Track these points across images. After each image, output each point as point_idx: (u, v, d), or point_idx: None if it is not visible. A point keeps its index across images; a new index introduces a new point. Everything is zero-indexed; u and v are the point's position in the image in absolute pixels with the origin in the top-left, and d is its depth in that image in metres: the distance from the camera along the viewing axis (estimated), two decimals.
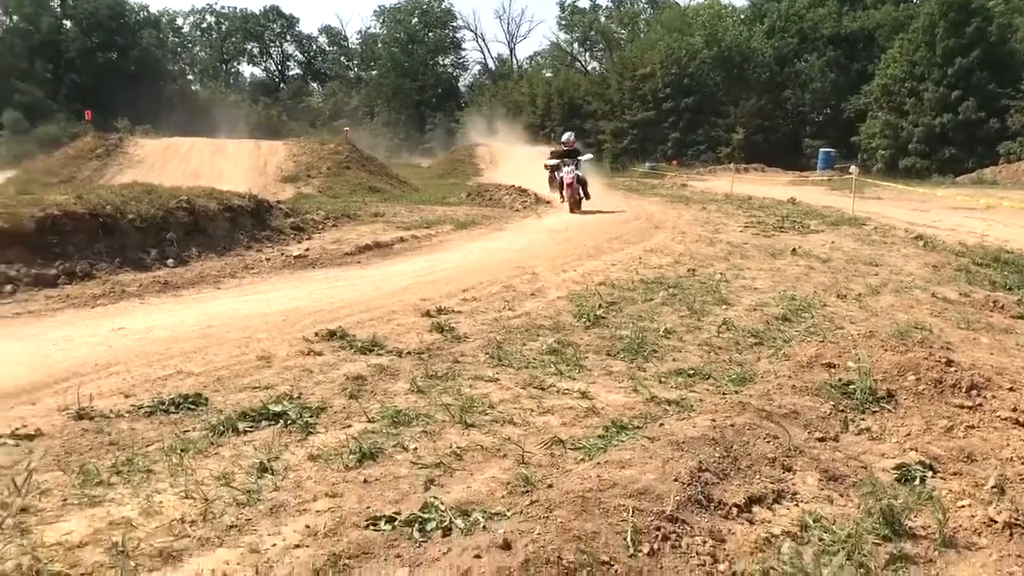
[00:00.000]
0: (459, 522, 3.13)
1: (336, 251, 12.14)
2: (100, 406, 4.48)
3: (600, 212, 18.34)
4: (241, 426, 4.16)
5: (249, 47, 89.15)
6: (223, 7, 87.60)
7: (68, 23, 73.33)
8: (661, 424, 4.20)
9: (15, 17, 72.47)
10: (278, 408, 4.40)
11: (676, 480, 3.49)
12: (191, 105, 69.26)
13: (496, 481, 3.60)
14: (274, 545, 2.98)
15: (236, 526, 3.12)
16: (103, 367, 5.43)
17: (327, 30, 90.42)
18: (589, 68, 79.68)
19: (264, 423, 4.24)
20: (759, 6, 62.83)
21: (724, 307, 7.67)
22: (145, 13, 79.70)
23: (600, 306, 7.37)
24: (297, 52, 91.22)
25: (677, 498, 3.33)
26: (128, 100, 60.88)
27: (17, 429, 4.08)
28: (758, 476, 3.70)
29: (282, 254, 11.83)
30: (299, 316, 7.17)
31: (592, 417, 4.48)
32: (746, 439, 4.00)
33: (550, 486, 3.47)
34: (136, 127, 44.00)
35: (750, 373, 5.45)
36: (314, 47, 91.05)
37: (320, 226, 14.67)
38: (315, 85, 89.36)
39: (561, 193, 18.86)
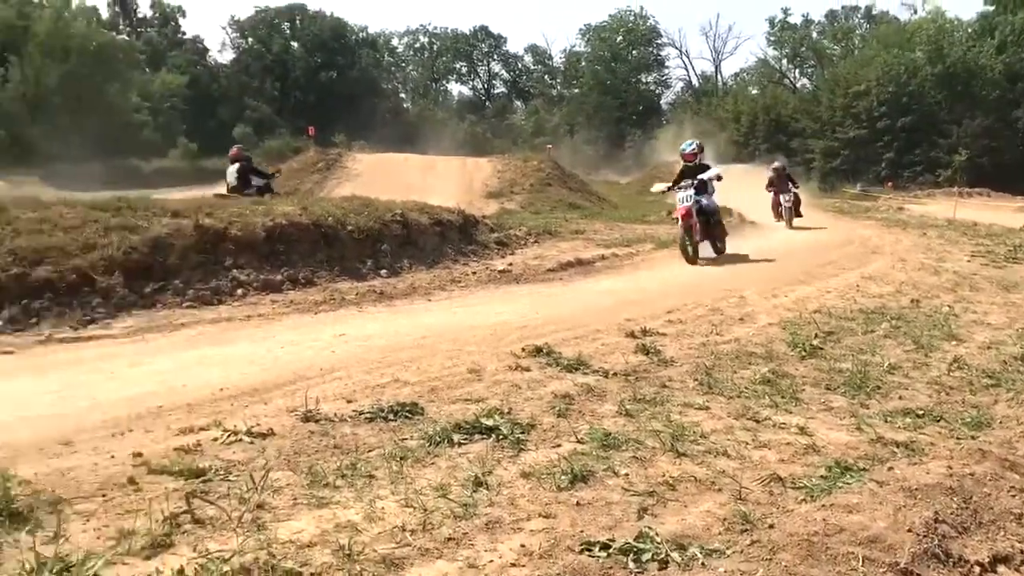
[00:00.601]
0: (675, 556, 3.03)
1: (538, 267, 12.31)
2: (325, 410, 4.70)
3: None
4: (456, 438, 4.24)
5: (458, 66, 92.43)
6: (436, 27, 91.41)
7: (295, 44, 78.89)
8: (890, 468, 3.92)
9: (250, 39, 78.80)
10: (490, 422, 4.45)
11: (910, 530, 3.23)
12: (402, 122, 72.67)
13: (712, 516, 3.47)
14: (491, 562, 3.00)
15: (454, 539, 3.17)
16: (327, 371, 5.73)
17: (533, 49, 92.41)
18: (798, 85, 77.06)
19: (477, 436, 4.30)
20: (989, 19, 58.44)
21: (954, 343, 7.12)
22: (364, 34, 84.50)
23: (816, 336, 7.03)
24: (503, 71, 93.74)
25: (912, 550, 3.08)
26: (345, 116, 64.69)
27: (252, 427, 4.35)
28: (1003, 533, 3.37)
29: (487, 268, 12.12)
30: (506, 330, 7.29)
31: (812, 455, 4.25)
32: (988, 491, 3.66)
33: (771, 526, 3.31)
34: (352, 142, 46.58)
35: (987, 417, 5.01)
36: (519, 66, 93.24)
37: (522, 242, 14.92)
38: (519, 103, 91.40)
39: (685, 237, 12.91)
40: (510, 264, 12.52)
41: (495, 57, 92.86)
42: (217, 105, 70.38)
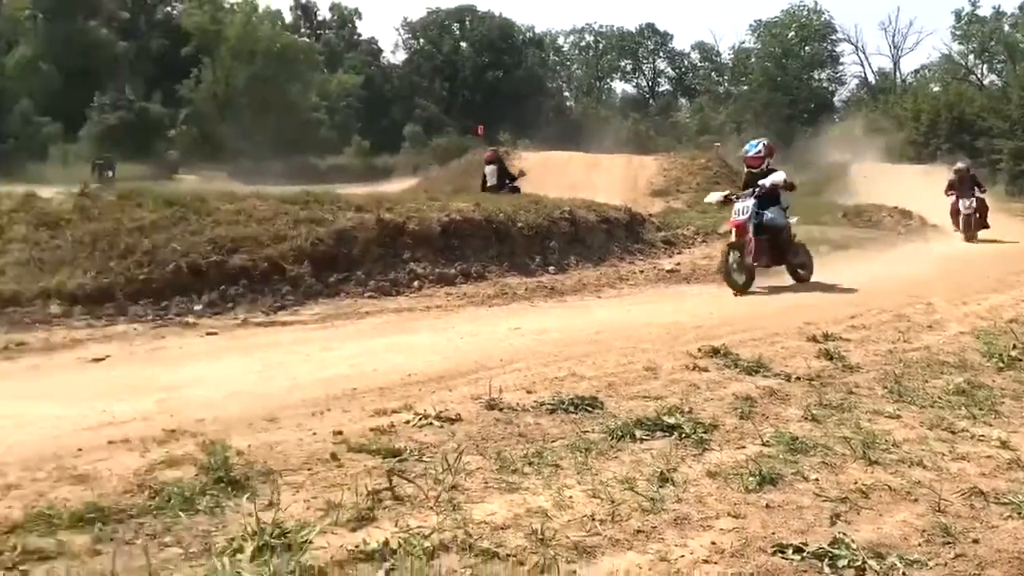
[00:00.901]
0: (873, 564, 2.96)
1: (707, 267, 12.11)
2: (508, 399, 4.84)
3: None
4: (638, 433, 4.27)
5: (623, 64, 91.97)
6: (601, 26, 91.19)
7: (464, 44, 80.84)
8: None
9: (421, 40, 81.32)
10: (671, 420, 4.46)
11: None
12: (565, 121, 73.02)
13: (909, 526, 3.35)
14: (682, 556, 3.01)
15: (643, 531, 3.20)
16: (506, 362, 5.89)
17: (700, 46, 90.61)
18: (985, 82, 72.15)
19: (659, 433, 4.32)
20: None
21: None
22: (531, 33, 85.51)
23: (1015, 346, 6.60)
24: (668, 68, 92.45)
25: None
26: (511, 115, 65.72)
27: (441, 412, 4.53)
28: None
29: (654, 267, 12.07)
30: (680, 330, 7.25)
31: (1016, 470, 4.02)
32: None
33: (976, 541, 3.18)
34: (516, 141, 47.28)
35: None
36: (686, 63, 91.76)
37: (690, 241, 14.73)
38: (683, 101, 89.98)
39: (731, 255, 10.12)
40: (678, 263, 12.41)
41: (661, 54, 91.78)
42: (389, 104, 72.96)
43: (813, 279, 10.70)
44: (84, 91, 52.28)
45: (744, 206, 10.22)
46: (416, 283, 10.01)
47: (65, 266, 8.62)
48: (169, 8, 69.83)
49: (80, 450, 3.93)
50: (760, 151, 11.01)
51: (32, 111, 50.64)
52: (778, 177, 10.51)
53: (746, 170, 11.16)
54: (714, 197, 11.51)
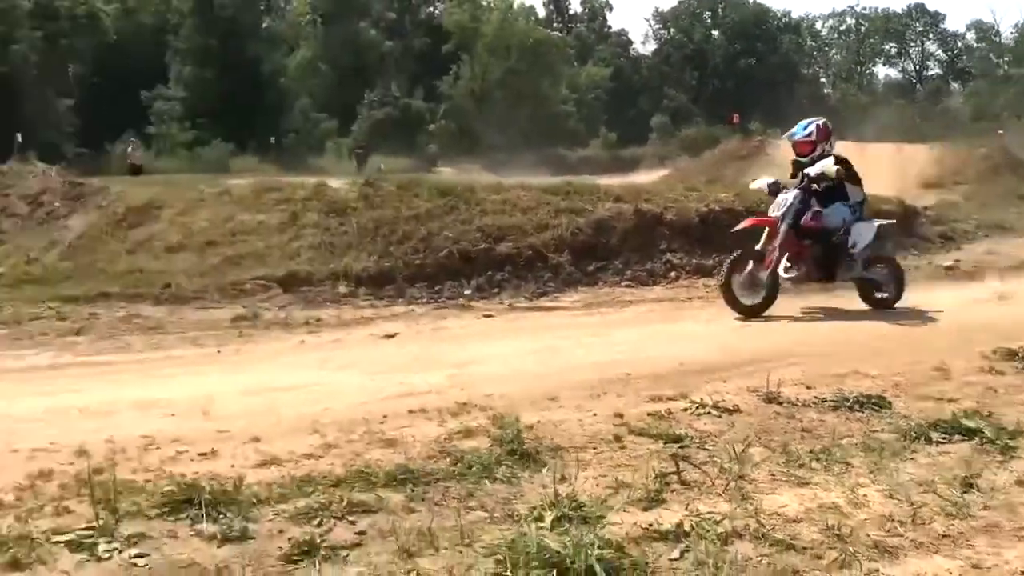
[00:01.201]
0: None
1: (992, 263, 11.20)
2: (786, 393, 4.74)
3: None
4: (933, 436, 4.05)
5: (887, 47, 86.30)
6: (864, 8, 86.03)
7: (716, 32, 79.26)
8: None
9: (672, 30, 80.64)
10: (971, 424, 4.17)
11: None
12: (822, 108, 69.33)
13: None
14: (996, 566, 2.83)
15: (949, 536, 3.03)
16: (782, 357, 5.76)
17: (976, 25, 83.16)
18: None
19: (956, 437, 4.06)
20: None
21: None
22: (786, 19, 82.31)
23: None
24: (939, 51, 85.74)
25: None
26: (763, 103, 63.60)
27: (718, 402, 4.51)
28: None
29: (931, 263, 11.34)
30: (970, 330, 6.78)
31: None
32: None
33: None
34: (767, 130, 45.65)
35: None
36: (959, 45, 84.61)
37: (970, 236, 13.63)
38: (955, 85, 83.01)
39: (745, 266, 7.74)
40: (957, 260, 11.54)
41: (930, 36, 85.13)
42: (637, 95, 72.91)
43: None
44: (355, 89, 56.36)
45: (784, 199, 7.94)
46: (672, 273, 10.01)
47: (351, 250, 9.42)
48: (431, 8, 73.63)
49: (385, 417, 4.30)
50: (811, 134, 8.40)
51: (310, 108, 55.17)
52: (827, 164, 7.96)
53: (794, 157, 8.62)
54: (760, 184, 8.83)
